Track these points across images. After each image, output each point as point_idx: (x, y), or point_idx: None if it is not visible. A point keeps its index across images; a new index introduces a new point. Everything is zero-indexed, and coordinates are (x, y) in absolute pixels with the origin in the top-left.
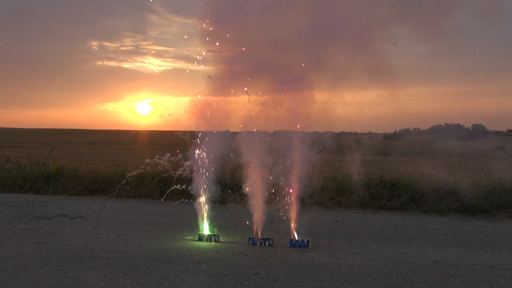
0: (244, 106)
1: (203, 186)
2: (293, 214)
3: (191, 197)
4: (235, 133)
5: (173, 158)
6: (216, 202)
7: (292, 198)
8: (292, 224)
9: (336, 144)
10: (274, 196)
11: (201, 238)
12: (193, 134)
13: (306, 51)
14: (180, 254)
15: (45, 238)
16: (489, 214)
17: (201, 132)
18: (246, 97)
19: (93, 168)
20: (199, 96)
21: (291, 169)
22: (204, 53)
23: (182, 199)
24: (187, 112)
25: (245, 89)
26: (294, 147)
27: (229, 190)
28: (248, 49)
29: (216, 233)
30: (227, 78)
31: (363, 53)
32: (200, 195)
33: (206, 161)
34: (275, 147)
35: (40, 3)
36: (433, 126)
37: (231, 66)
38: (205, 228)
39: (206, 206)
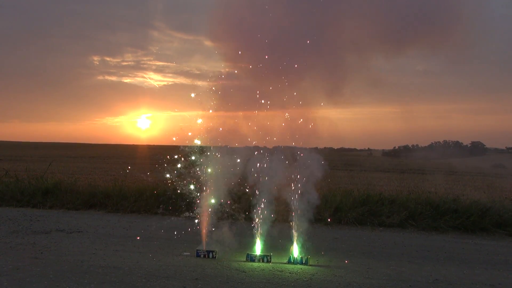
0: (241, 121)
1: (202, 201)
2: (291, 231)
3: (190, 212)
4: (234, 149)
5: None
6: (214, 218)
7: (291, 215)
8: (291, 241)
9: (335, 161)
10: (273, 212)
11: (199, 254)
12: (192, 149)
13: (305, 68)
14: (178, 270)
15: (42, 253)
16: (488, 233)
17: (201, 147)
18: (243, 113)
19: (92, 182)
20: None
21: (290, 185)
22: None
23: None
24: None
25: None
26: (293, 163)
27: (228, 206)
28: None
29: (214, 249)
30: (231, 94)
31: (363, 70)
32: (198, 211)
33: (205, 176)
34: (273, 162)
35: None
36: (432, 143)
37: (235, 82)
38: (203, 244)
39: (204, 221)
